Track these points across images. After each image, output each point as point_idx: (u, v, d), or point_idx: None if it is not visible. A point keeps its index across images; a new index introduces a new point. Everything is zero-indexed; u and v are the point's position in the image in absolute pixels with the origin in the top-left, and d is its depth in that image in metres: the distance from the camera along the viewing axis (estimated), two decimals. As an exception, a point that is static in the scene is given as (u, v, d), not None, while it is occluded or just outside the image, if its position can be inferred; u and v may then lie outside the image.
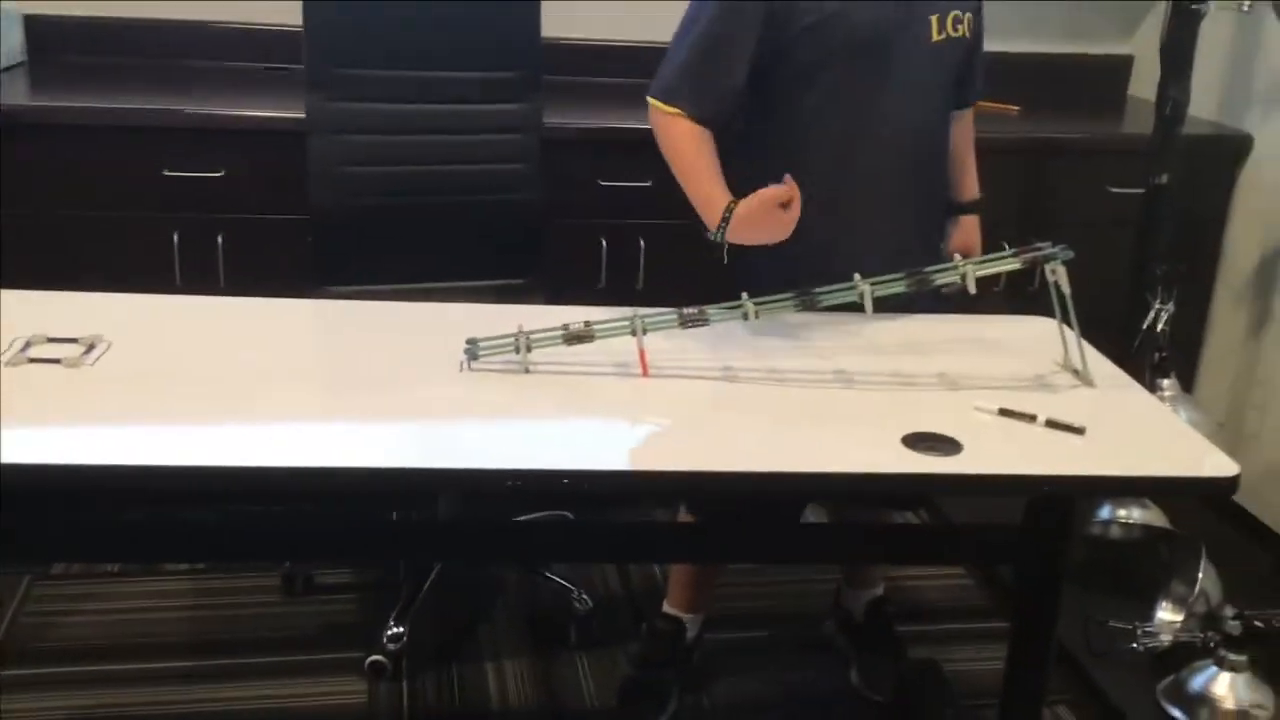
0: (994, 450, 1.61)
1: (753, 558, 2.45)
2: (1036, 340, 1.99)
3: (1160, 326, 2.82)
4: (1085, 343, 1.88)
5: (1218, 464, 1.60)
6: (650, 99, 2.06)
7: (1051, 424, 1.68)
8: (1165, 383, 2.81)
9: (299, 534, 1.99)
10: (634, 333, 1.79)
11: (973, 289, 1.89)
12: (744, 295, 1.80)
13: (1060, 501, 1.83)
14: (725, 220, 1.92)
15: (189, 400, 1.62)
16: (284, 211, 2.73)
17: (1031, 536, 1.88)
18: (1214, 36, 2.73)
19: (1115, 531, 2.79)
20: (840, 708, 2.45)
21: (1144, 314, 2.84)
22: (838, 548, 2.10)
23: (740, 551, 2.12)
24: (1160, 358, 2.82)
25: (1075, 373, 1.88)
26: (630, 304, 2.02)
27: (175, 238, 2.68)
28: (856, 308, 1.78)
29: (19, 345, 1.72)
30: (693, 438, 1.64)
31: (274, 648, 2.50)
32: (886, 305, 1.80)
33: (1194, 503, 2.95)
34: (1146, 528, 2.78)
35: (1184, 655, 2.44)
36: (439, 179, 2.65)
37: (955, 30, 2.06)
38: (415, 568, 2.60)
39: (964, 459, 1.57)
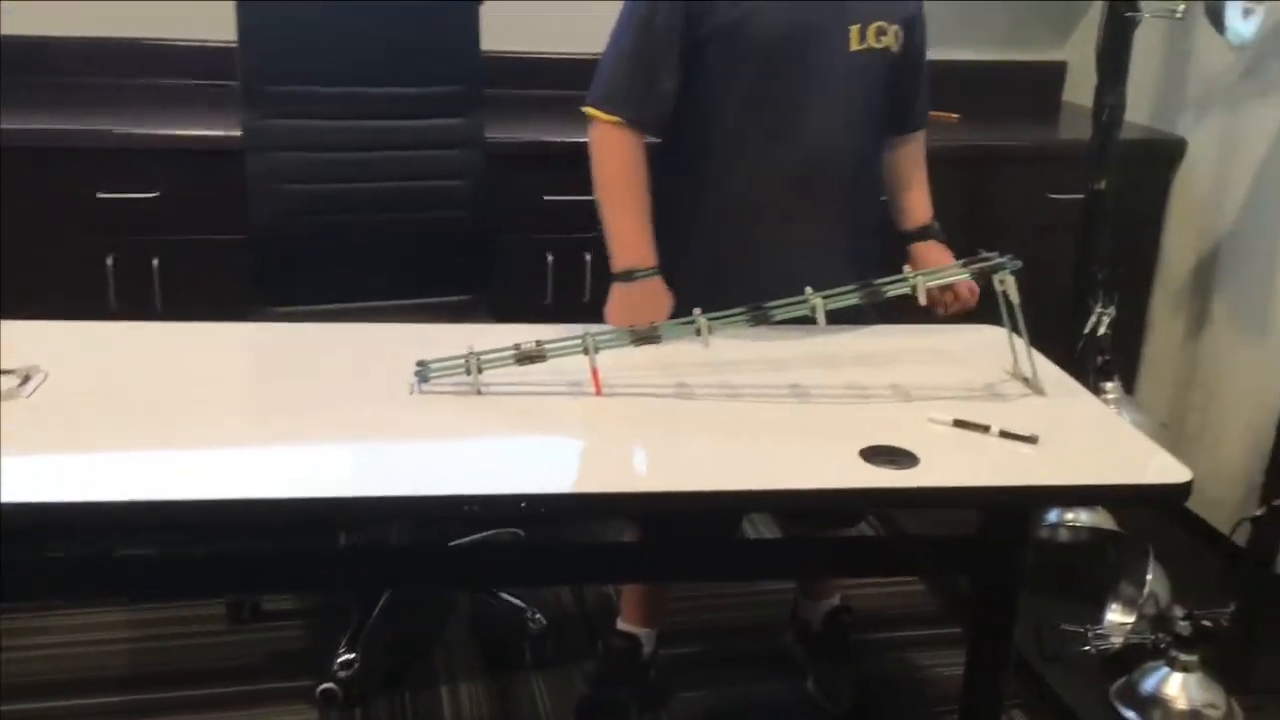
0: (950, 462, 1.61)
1: (709, 576, 2.43)
2: (985, 349, 2.00)
3: (1102, 330, 2.86)
4: (1034, 351, 1.89)
5: (1170, 471, 1.61)
6: (588, 109, 2.04)
7: (1005, 434, 1.69)
8: (1109, 386, 2.84)
9: (244, 566, 1.94)
10: (586, 351, 1.77)
11: (923, 300, 1.90)
12: (696, 311, 1.79)
13: (1015, 510, 1.84)
14: (637, 275, 1.99)
15: (131, 431, 1.58)
16: (221, 232, 2.68)
17: (987, 546, 1.88)
18: (1146, 42, 2.77)
19: (1063, 535, 2.82)
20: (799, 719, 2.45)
21: (1086, 318, 2.87)
22: (794, 563, 2.09)
23: (697, 569, 2.10)
24: (1103, 361, 2.85)
25: (1025, 381, 1.89)
26: (578, 319, 2.01)
27: (109, 261, 2.62)
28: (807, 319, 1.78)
29: (-50, 378, 1.67)
30: (651, 457, 1.62)
31: (221, 678, 2.44)
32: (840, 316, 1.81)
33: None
34: (1094, 530, 2.81)
35: (1135, 657, 2.46)
36: (381, 196, 2.61)
37: (878, 41, 2.03)
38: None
39: (922, 472, 1.57)
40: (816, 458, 1.61)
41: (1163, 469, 1.62)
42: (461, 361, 1.75)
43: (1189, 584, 2.61)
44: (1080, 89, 3.53)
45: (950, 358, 1.99)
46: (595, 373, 1.77)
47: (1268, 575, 2.43)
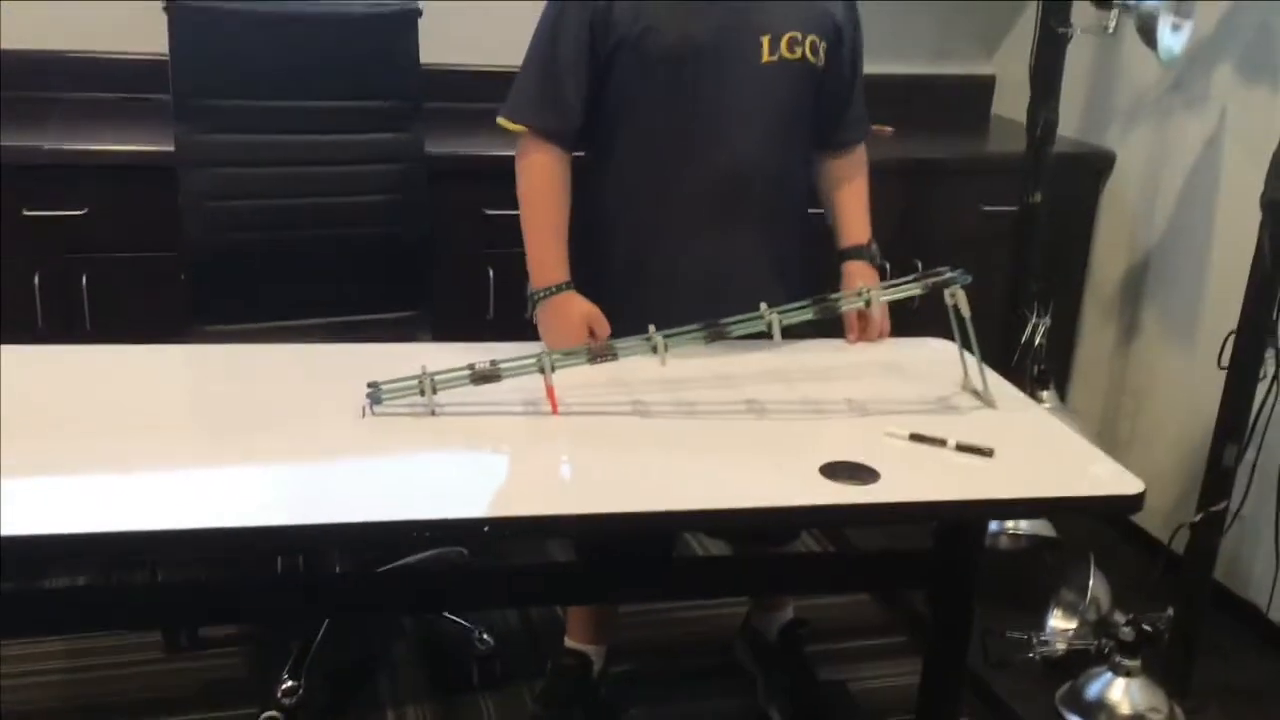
0: (910, 477, 1.62)
1: (660, 595, 2.42)
2: (935, 362, 2.02)
3: (1038, 340, 2.90)
4: (984, 364, 1.91)
5: (1124, 482, 1.64)
6: (499, 120, 2.06)
7: (962, 447, 1.70)
8: (1045, 395, 2.88)
9: (180, 597, 1.89)
10: (542, 370, 1.75)
11: (878, 318, 1.92)
12: (651, 328, 1.78)
13: (974, 523, 1.85)
14: (542, 296, 2.01)
15: (64, 460, 1.52)
16: (152, 249, 2.61)
17: (944, 560, 1.89)
18: (1075, 56, 2.82)
19: (1004, 542, 2.85)
20: (749, 734, 2.44)
21: (1021, 328, 2.92)
22: (747, 581, 2.08)
23: (647, 589, 2.09)
24: (1039, 371, 2.89)
25: (976, 394, 1.90)
26: (521, 334, 2.01)
27: (37, 280, 2.54)
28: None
29: (-120, 406, 1.60)
30: (611, 477, 1.60)
31: (159, 709, 2.37)
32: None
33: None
34: (1033, 537, 2.85)
35: (1079, 662, 2.50)
36: (318, 212, 2.57)
37: (792, 52, 2.00)
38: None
39: (884, 487, 1.58)
40: (779, 475, 1.61)
41: (1117, 480, 1.65)
42: (415, 382, 1.72)
43: (1127, 589, 2.66)
44: (1008, 102, 3.59)
45: (901, 371, 2.00)
46: (551, 391, 1.75)
47: (1206, 580, 2.48)
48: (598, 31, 1.97)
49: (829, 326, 1.96)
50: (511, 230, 2.78)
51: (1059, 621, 2.65)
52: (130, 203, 2.59)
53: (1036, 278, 2.90)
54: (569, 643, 2.42)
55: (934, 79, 3.61)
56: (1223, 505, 2.40)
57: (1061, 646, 2.56)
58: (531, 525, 1.49)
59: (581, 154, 2.10)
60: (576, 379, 1.80)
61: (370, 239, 2.61)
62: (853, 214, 2.20)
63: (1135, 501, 1.61)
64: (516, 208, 2.78)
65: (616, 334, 1.92)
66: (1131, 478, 1.64)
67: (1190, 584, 2.47)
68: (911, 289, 1.86)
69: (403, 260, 2.64)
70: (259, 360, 1.93)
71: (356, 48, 2.55)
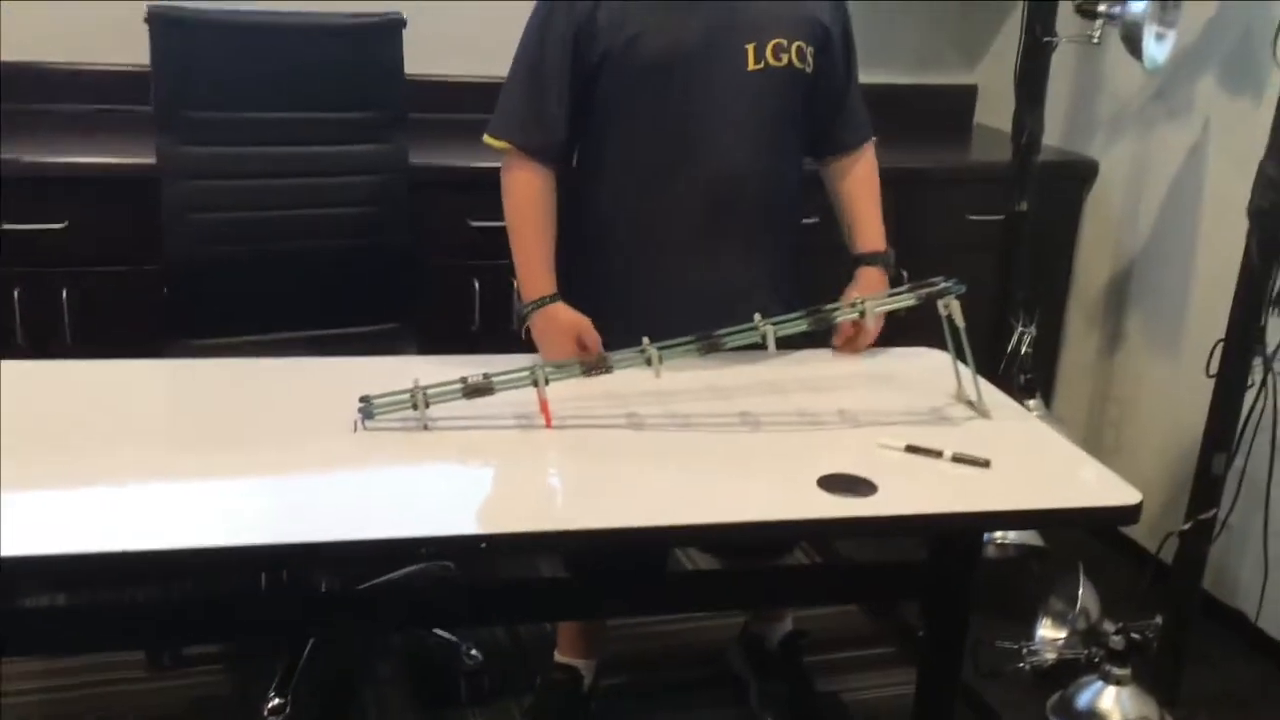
0: (907, 489, 1.61)
1: (653, 610, 2.39)
2: (927, 372, 2.01)
3: (1024, 349, 2.90)
4: (978, 375, 1.90)
5: (1122, 492, 1.63)
6: (485, 137, 2.05)
7: (958, 459, 1.69)
8: (1031, 403, 2.88)
9: (163, 615, 1.85)
10: (535, 383, 1.73)
11: (872, 327, 1.91)
12: (645, 340, 1.77)
13: (972, 535, 1.84)
14: (531, 309, 2.00)
15: (44, 478, 1.50)
16: (133, 263, 2.58)
17: (940, 572, 1.88)
18: (1059, 64, 2.82)
19: (992, 551, 2.84)
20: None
21: (1008, 337, 2.92)
22: (741, 594, 2.07)
23: (639, 604, 2.07)
24: (1025, 379, 2.89)
25: (970, 404, 1.90)
26: (506, 345, 1.99)
27: (16, 294, 2.50)
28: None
29: None
30: (606, 491, 1.59)
31: (142, 729, 2.34)
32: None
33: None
34: (1021, 546, 2.85)
35: (1069, 671, 2.50)
36: (302, 223, 2.54)
37: (778, 59, 1.98)
38: (292, 632, 2.47)
39: (882, 500, 1.57)
40: (776, 488, 1.60)
41: (1114, 491, 1.64)
42: (407, 396, 1.70)
43: (1115, 598, 2.66)
44: (991, 111, 3.60)
45: (893, 382, 1.99)
46: (545, 405, 1.73)
47: (1195, 589, 2.48)
48: (582, 42, 1.96)
49: (823, 335, 1.95)
50: (497, 241, 2.76)
51: (1048, 631, 2.65)
52: (110, 216, 2.56)
53: (1023, 286, 2.90)
54: (559, 657, 2.40)
55: (917, 88, 3.61)
56: (1211, 514, 2.40)
57: (1051, 656, 2.56)
58: (528, 541, 1.48)
59: (570, 164, 2.09)
60: (570, 391, 1.79)
61: (354, 250, 2.59)
62: (866, 218, 2.17)
63: (1133, 512, 1.60)
64: (501, 219, 2.77)
65: (610, 345, 1.91)
66: (1128, 488, 1.64)
67: (1179, 592, 2.47)
68: (906, 300, 1.85)
69: (387, 272, 2.62)
70: (247, 374, 1.91)
71: (340, 58, 2.53)
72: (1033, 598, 2.71)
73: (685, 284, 2.05)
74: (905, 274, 2.76)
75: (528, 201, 2.04)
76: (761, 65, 1.99)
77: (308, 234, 2.55)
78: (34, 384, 1.78)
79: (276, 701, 2.31)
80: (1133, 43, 2.57)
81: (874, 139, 2.22)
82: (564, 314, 2.01)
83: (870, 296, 1.87)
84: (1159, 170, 3.03)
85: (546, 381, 1.73)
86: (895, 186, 3.04)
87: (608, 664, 2.46)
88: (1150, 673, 2.45)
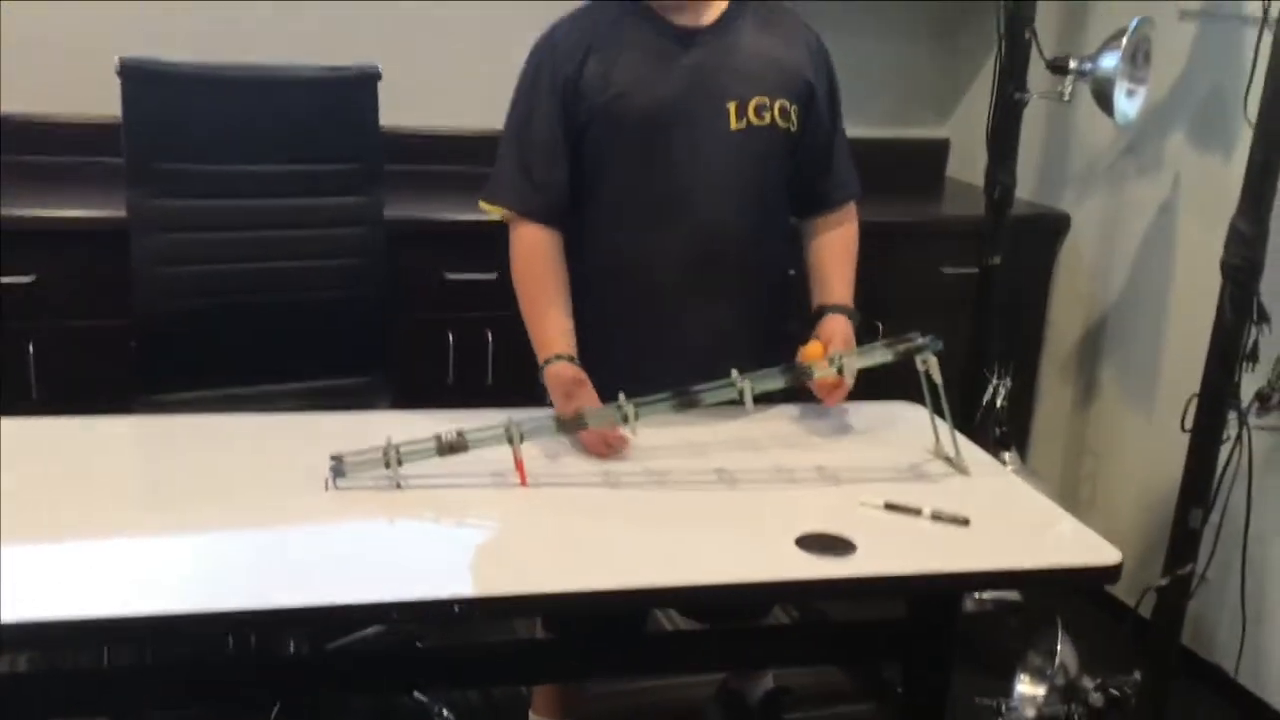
0: (887, 549, 1.59)
1: (631, 671, 2.35)
2: (905, 427, 2.00)
3: (999, 402, 2.91)
4: (956, 431, 1.89)
5: (1101, 552, 1.62)
6: (481, 203, 2.03)
7: (937, 516, 1.68)
8: (1007, 456, 2.89)
9: (128, 681, 1.81)
10: (510, 441, 1.71)
11: (850, 381, 1.89)
12: (621, 396, 1.75)
13: (953, 594, 1.83)
14: (540, 368, 1.94)
15: (7, 541, 1.46)
16: (101, 316, 2.55)
17: (918, 630, 1.86)
18: (1030, 118, 2.85)
19: (969, 605, 2.83)
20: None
21: (981, 389, 2.92)
22: (719, 655, 2.04)
23: (617, 666, 2.03)
24: (1001, 432, 2.90)
25: (948, 460, 1.89)
26: (481, 399, 1.96)
27: (-18, 348, 2.47)
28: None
29: None
30: (581, 552, 1.56)
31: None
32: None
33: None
34: (999, 601, 2.83)
35: (1049, 729, 2.48)
36: (276, 276, 2.52)
37: (760, 118, 1.98)
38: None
39: (861, 560, 1.55)
40: (753, 548, 1.58)
41: (1094, 550, 1.63)
42: (379, 454, 1.67)
43: (1094, 653, 2.64)
44: (963, 165, 3.63)
45: (871, 437, 1.98)
46: (520, 463, 1.71)
47: (1174, 644, 2.47)
48: (569, 103, 1.96)
49: (801, 390, 1.93)
50: (471, 294, 2.77)
51: (1027, 687, 2.62)
52: (80, 269, 2.54)
53: (997, 339, 2.91)
54: (533, 717, 2.36)
55: (889, 142, 3.63)
56: (1189, 568, 2.39)
57: (1030, 713, 2.53)
58: (501, 606, 1.45)
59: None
60: (546, 448, 1.76)
61: (328, 303, 2.56)
62: (834, 275, 2.11)
63: (1113, 572, 1.59)
64: (477, 271, 2.77)
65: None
66: (1108, 547, 1.63)
67: (1158, 648, 2.46)
68: (884, 355, 1.84)
69: (361, 325, 2.59)
70: (217, 431, 1.87)
71: (315, 111, 2.52)
72: (1010, 653, 2.69)
73: (668, 338, 2.03)
74: (880, 326, 2.77)
75: (531, 263, 2.01)
76: (744, 124, 1.98)
77: (281, 287, 2.53)
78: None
79: (244, 765, 2.26)
80: (1104, 99, 2.59)
81: (858, 196, 2.19)
82: (562, 373, 1.94)
83: (847, 353, 1.86)
84: (1131, 224, 3.05)
85: (521, 439, 1.71)
86: (868, 240, 3.04)
87: (584, 725, 2.42)
88: (1130, 729, 2.43)
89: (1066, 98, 2.70)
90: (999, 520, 1.70)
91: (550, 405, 1.93)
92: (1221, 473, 2.40)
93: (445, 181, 3.05)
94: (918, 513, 1.68)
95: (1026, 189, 3.28)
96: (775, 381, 1.78)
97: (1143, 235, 3.01)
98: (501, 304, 2.71)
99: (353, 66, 2.52)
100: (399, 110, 2.66)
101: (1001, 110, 2.77)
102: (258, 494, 1.64)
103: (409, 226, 2.68)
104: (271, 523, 1.57)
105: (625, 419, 1.74)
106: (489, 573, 1.53)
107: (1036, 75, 2.76)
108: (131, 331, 2.44)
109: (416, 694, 2.50)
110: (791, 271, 2.20)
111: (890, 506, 1.70)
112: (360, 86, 2.53)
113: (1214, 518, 2.43)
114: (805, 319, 2.10)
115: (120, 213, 2.40)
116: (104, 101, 2.41)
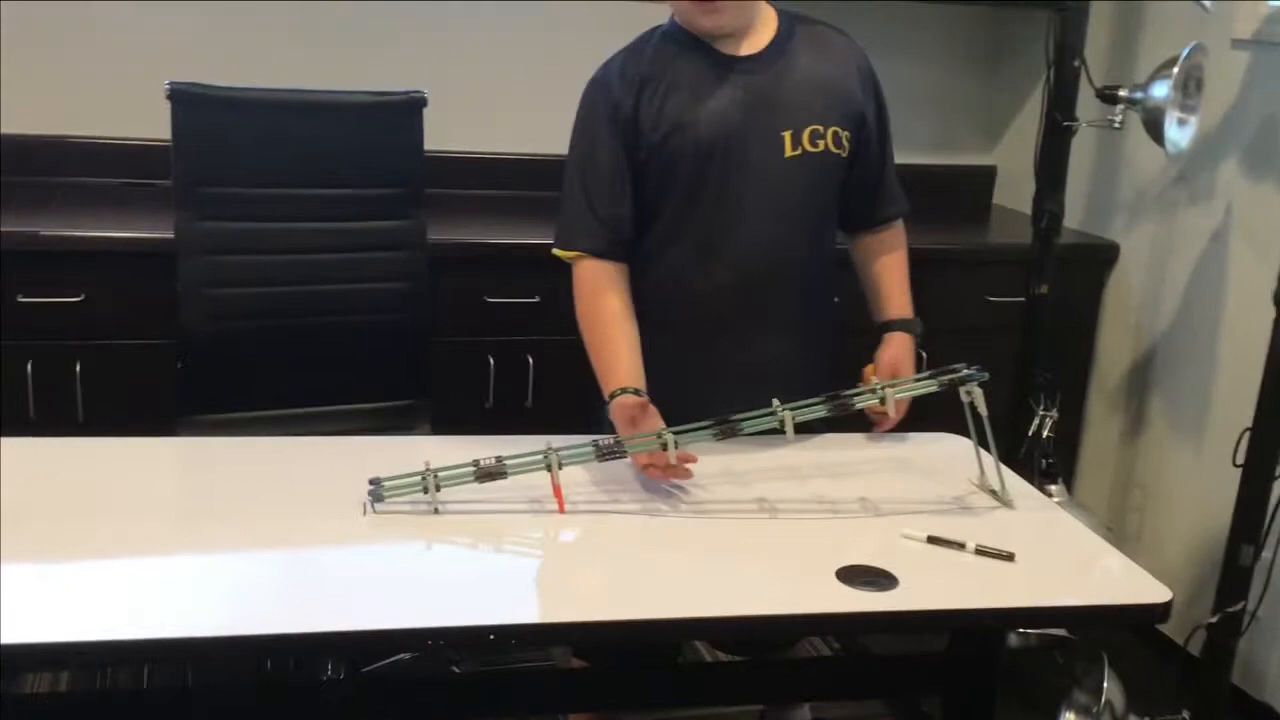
0: (929, 582, 1.56)
1: (668, 701, 2.32)
2: (949, 459, 1.97)
3: (1045, 433, 2.86)
4: (1001, 464, 1.86)
5: (1150, 590, 1.58)
6: (554, 251, 2.02)
7: (981, 551, 1.65)
8: (1053, 488, 2.84)
9: (160, 703, 1.80)
10: (549, 467, 1.70)
11: (892, 413, 1.87)
12: (661, 424, 1.74)
13: (995, 630, 1.79)
14: (606, 402, 1.91)
15: (49, 563, 1.46)
16: (147, 337, 2.58)
17: (961, 665, 1.83)
18: (1078, 147, 2.82)
19: (1013, 640, 2.78)
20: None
21: (1029, 421, 2.88)
22: (758, 687, 2.01)
23: (653, 695, 2.01)
24: (1047, 464, 2.85)
25: (993, 493, 1.86)
26: (520, 423, 1.95)
27: (29, 368, 2.49)
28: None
29: None
30: (622, 581, 1.55)
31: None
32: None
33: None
34: (1044, 635, 2.78)
35: (1095, 768, 2.43)
36: (318, 300, 2.53)
37: (814, 146, 1.97)
38: None
39: (902, 594, 1.52)
40: (793, 580, 1.56)
41: (1142, 587, 1.59)
42: (418, 479, 1.67)
43: (1141, 690, 2.59)
44: (1010, 193, 3.59)
45: (914, 468, 1.95)
46: (558, 490, 1.70)
47: (1224, 683, 2.41)
48: (628, 141, 1.96)
49: (845, 420, 1.90)
50: (512, 318, 2.77)
51: (1073, 725, 2.57)
52: (127, 290, 2.56)
53: (1044, 369, 2.87)
54: (568, 750, 2.34)
55: (936, 169, 3.61)
56: (1240, 606, 2.34)
57: (1077, 752, 2.48)
58: (536, 633, 1.44)
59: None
60: (585, 475, 1.75)
61: (371, 327, 2.57)
62: (894, 287, 2.15)
63: (1162, 611, 1.55)
64: (518, 295, 2.76)
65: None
66: (1157, 585, 1.59)
67: (1207, 686, 2.41)
68: (929, 386, 1.82)
69: (402, 348, 2.59)
70: (257, 454, 1.88)
71: (361, 135, 2.53)
72: (1056, 689, 2.64)
73: (722, 365, 2.02)
74: (924, 355, 2.74)
75: (596, 301, 1.99)
76: (799, 152, 1.98)
77: (324, 310, 2.53)
78: (37, 463, 1.75)
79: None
80: (1155, 128, 2.56)
81: (908, 212, 2.20)
82: (630, 400, 1.90)
83: (892, 382, 1.83)
84: (1181, 254, 3.00)
85: (560, 466, 1.70)
86: (914, 266, 3.03)
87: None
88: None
89: (1117, 126, 2.67)
90: (1045, 555, 1.66)
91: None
92: (1275, 509, 2.35)
93: (488, 205, 3.06)
94: (961, 546, 1.65)
95: (1075, 218, 3.24)
96: (817, 411, 1.76)
97: (1193, 265, 2.97)
98: (541, 328, 2.74)
99: (399, 92, 2.53)
100: (440, 134, 2.67)
101: (1050, 138, 2.74)
102: (295, 517, 1.64)
103: (451, 250, 2.68)
104: (308, 546, 1.56)
105: (664, 447, 1.72)
106: (523, 600, 1.51)
107: (1085, 102, 2.73)
108: (176, 352, 2.46)
109: (452, 720, 2.49)
110: (836, 299, 2.19)
111: (933, 540, 1.67)
112: (407, 112, 2.54)
113: (1266, 554, 2.38)
114: (871, 331, 2.11)
115: (168, 235, 2.42)
116: (154, 125, 2.44)
